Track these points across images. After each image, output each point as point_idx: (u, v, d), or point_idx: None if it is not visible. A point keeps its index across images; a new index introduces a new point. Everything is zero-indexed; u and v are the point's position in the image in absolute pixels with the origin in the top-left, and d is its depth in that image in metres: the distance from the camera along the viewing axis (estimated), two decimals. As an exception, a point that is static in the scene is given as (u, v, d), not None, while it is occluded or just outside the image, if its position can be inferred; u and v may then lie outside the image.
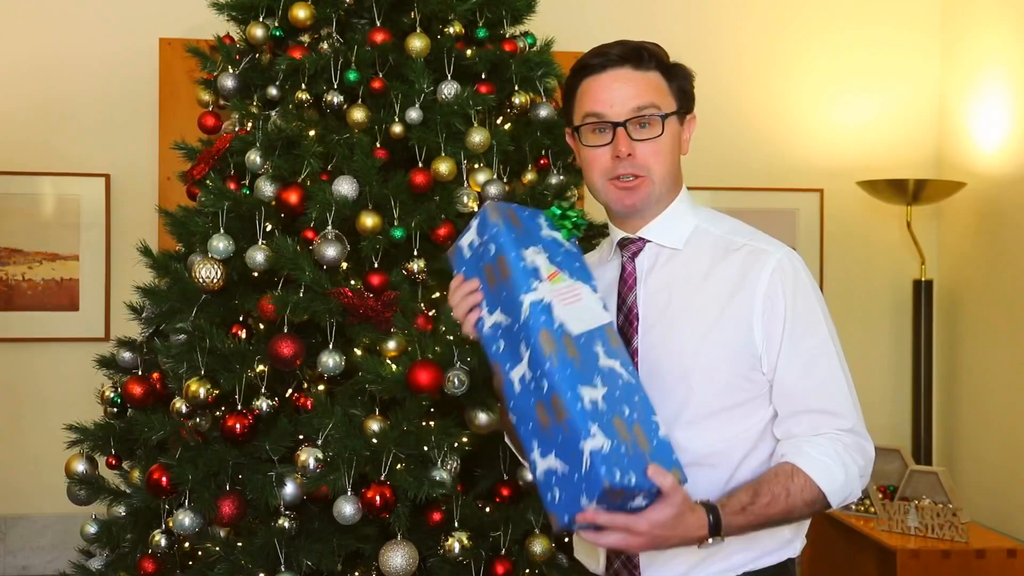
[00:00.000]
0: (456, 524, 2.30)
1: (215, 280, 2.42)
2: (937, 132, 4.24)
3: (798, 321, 1.62)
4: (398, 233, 2.40)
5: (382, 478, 2.21)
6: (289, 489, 2.28)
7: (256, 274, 2.45)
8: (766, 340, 1.62)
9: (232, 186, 2.56)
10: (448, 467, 2.28)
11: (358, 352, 2.38)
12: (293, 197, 2.42)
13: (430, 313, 2.43)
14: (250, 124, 2.59)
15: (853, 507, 3.56)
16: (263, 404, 2.35)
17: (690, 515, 1.48)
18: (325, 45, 2.58)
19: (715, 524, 1.51)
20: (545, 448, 1.49)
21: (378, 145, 2.49)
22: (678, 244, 1.70)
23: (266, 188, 2.47)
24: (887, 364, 4.22)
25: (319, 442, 2.26)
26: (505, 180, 2.59)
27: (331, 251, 2.35)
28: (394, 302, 2.36)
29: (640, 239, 1.72)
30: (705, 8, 4.15)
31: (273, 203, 2.47)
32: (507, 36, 2.72)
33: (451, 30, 2.60)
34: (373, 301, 2.35)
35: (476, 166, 2.54)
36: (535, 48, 2.74)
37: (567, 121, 1.74)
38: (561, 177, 2.67)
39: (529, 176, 2.68)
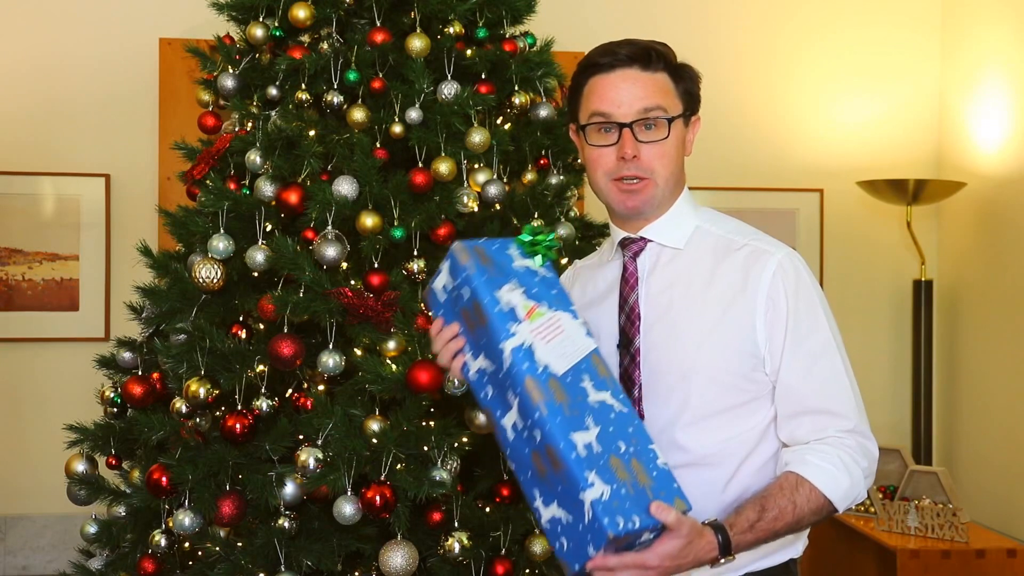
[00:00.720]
0: (456, 524, 2.30)
1: (215, 280, 2.42)
2: (937, 132, 4.24)
3: (800, 321, 1.62)
4: (398, 233, 2.40)
5: (382, 478, 2.21)
6: (289, 489, 2.28)
7: (256, 274, 2.45)
8: (768, 341, 1.62)
9: (232, 186, 2.55)
10: (448, 467, 2.28)
11: (358, 352, 2.38)
12: (293, 197, 2.42)
13: (430, 313, 2.43)
14: (250, 124, 2.59)
15: (853, 507, 3.54)
16: (263, 404, 2.35)
17: (699, 540, 1.49)
18: (325, 45, 2.58)
19: (724, 544, 1.51)
20: (547, 497, 1.49)
21: (378, 145, 2.49)
22: (679, 244, 1.70)
23: (266, 188, 2.47)
24: (887, 364, 4.22)
25: (319, 442, 2.25)
26: (505, 180, 2.59)
27: (331, 251, 2.35)
28: (394, 302, 2.36)
29: (642, 239, 1.72)
30: (705, 8, 4.15)
31: (273, 203, 2.47)
32: (507, 36, 2.72)
33: (451, 30, 2.60)
34: (373, 301, 2.35)
35: (476, 166, 2.54)
36: (535, 48, 2.74)
37: (572, 118, 1.74)
38: (561, 177, 2.67)
39: (529, 176, 2.68)
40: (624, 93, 1.64)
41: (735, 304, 1.63)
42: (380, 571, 2.22)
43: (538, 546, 2.34)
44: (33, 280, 3.78)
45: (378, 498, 2.18)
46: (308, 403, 2.35)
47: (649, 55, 1.66)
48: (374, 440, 2.24)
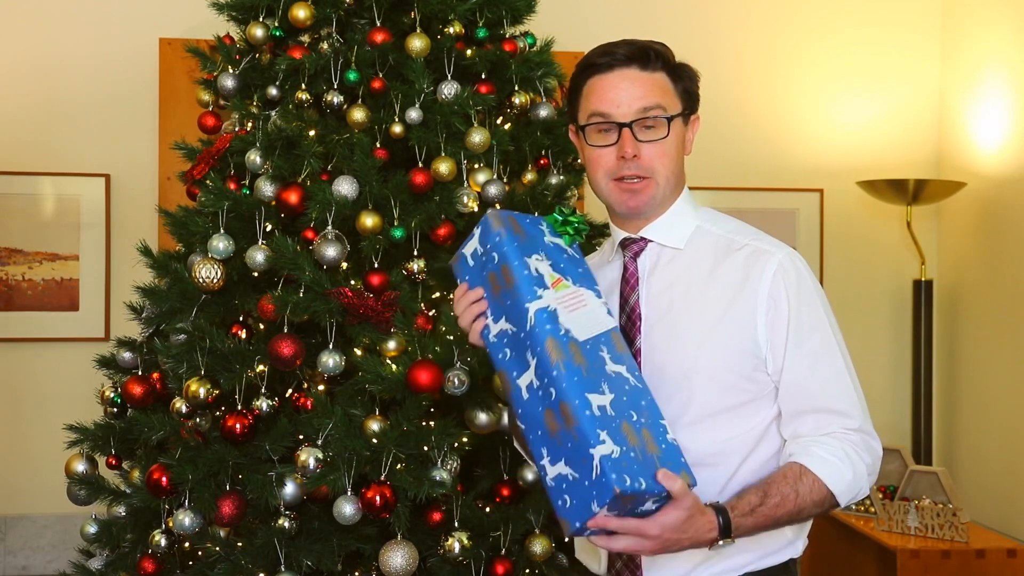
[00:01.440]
0: (456, 524, 2.30)
1: (215, 280, 2.42)
2: (937, 132, 4.24)
3: (802, 321, 1.62)
4: (398, 233, 2.40)
5: (382, 478, 2.21)
6: (289, 489, 2.28)
7: (256, 274, 2.45)
8: (770, 341, 1.62)
9: (232, 186, 2.55)
10: (448, 467, 2.28)
11: (358, 352, 2.38)
12: (293, 197, 2.42)
13: (430, 313, 2.43)
14: (250, 124, 2.59)
15: (853, 507, 3.56)
16: (263, 404, 2.35)
17: (700, 518, 1.49)
18: (325, 45, 2.58)
19: (725, 526, 1.51)
20: (555, 455, 1.50)
21: (378, 145, 2.49)
22: (679, 244, 1.70)
23: (266, 188, 2.47)
24: (887, 364, 4.22)
25: (319, 442, 2.25)
26: (505, 180, 2.59)
27: (331, 251, 2.35)
28: (394, 302, 2.36)
29: (642, 239, 1.72)
30: (705, 8, 4.15)
31: (273, 203, 2.47)
32: (507, 36, 2.72)
33: (451, 30, 2.60)
34: (373, 301, 2.35)
35: (476, 166, 2.54)
36: (535, 48, 2.74)
37: (571, 119, 1.74)
38: (561, 177, 2.67)
39: (529, 176, 2.68)
40: (623, 93, 1.64)
41: (736, 304, 1.63)
42: (380, 571, 2.22)
43: (538, 546, 2.34)
44: (33, 280, 3.78)
45: (378, 498, 2.18)
46: (308, 403, 2.35)
47: (647, 55, 1.66)
48: (374, 440, 2.24)
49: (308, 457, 2.22)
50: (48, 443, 3.11)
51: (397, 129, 2.48)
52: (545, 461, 1.52)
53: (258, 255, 2.40)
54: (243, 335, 2.46)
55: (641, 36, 1.74)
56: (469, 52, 2.61)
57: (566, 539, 2.42)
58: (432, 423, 2.31)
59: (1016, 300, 3.70)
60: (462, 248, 1.68)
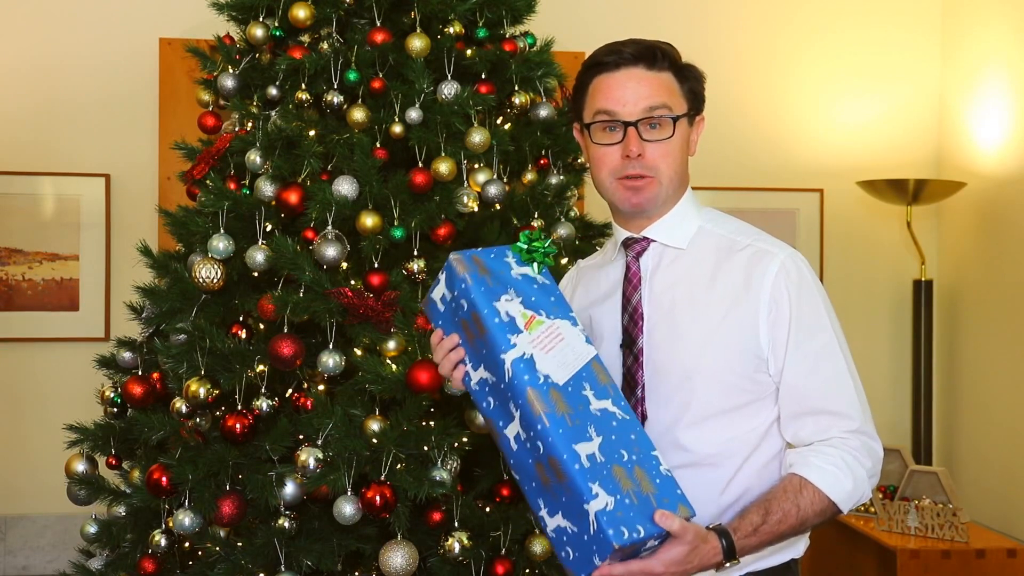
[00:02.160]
0: (456, 524, 2.30)
1: (215, 280, 2.42)
2: (937, 132, 4.24)
3: (803, 322, 1.62)
4: (398, 233, 2.40)
5: (382, 478, 2.21)
6: (289, 489, 2.28)
7: (256, 274, 2.45)
8: (772, 342, 1.61)
9: (232, 186, 2.55)
10: (448, 467, 2.27)
11: (358, 352, 2.38)
12: (293, 197, 2.42)
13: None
14: (250, 124, 2.59)
15: (856, 507, 3.56)
16: (263, 404, 2.35)
17: (703, 546, 1.49)
18: (325, 45, 2.58)
19: (729, 549, 1.51)
20: (552, 508, 1.50)
21: (378, 145, 2.49)
22: (682, 244, 1.70)
23: (266, 188, 2.47)
24: (887, 364, 4.22)
25: (319, 442, 2.25)
26: (505, 180, 2.59)
27: (331, 251, 2.35)
28: (394, 302, 2.36)
29: (644, 239, 1.71)
30: (705, 8, 4.15)
31: (273, 203, 2.47)
32: (507, 36, 2.72)
33: (451, 30, 2.60)
34: (373, 301, 2.35)
35: (476, 166, 2.54)
36: (535, 48, 2.74)
37: (576, 117, 1.74)
38: (561, 177, 2.67)
39: (529, 176, 2.68)
40: (629, 92, 1.64)
41: (738, 304, 1.62)
42: (380, 571, 2.22)
43: (538, 546, 2.34)
44: (33, 280, 3.78)
45: (378, 498, 2.18)
46: (308, 403, 2.35)
47: (654, 54, 1.66)
48: (374, 440, 2.24)
49: (308, 457, 2.22)
50: (48, 443, 3.11)
51: (397, 129, 2.48)
52: (543, 513, 1.52)
53: (258, 255, 2.40)
54: (243, 335, 2.46)
55: (641, 36, 1.74)
56: (469, 52, 2.61)
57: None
58: (432, 423, 2.31)
59: (1016, 300, 3.70)
60: (430, 292, 1.66)
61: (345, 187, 2.41)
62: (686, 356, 1.63)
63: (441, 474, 2.24)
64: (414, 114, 2.48)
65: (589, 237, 2.74)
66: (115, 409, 2.59)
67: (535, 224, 2.58)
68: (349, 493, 2.21)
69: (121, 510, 2.53)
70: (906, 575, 3.20)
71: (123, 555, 2.51)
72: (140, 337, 2.67)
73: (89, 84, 3.82)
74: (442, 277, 1.62)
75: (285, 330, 2.35)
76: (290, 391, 2.43)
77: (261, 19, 2.63)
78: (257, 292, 2.46)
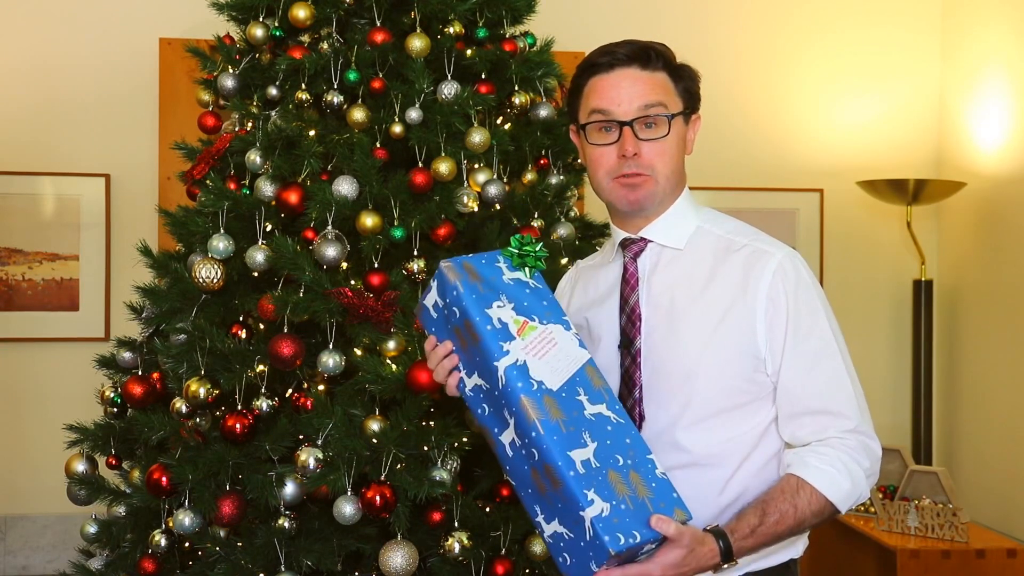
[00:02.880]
0: (456, 524, 2.30)
1: (215, 280, 2.42)
2: (937, 132, 4.24)
3: (800, 322, 1.62)
4: (398, 233, 2.40)
5: (382, 478, 2.21)
6: (289, 489, 2.28)
7: (256, 274, 2.45)
8: (769, 341, 1.61)
9: (232, 186, 2.55)
10: (448, 467, 2.27)
11: (358, 352, 2.38)
12: (293, 197, 2.42)
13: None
14: (250, 124, 2.59)
15: (854, 507, 3.56)
16: (263, 404, 2.35)
17: (700, 549, 1.49)
18: (325, 45, 2.58)
19: (726, 550, 1.52)
20: (548, 514, 1.50)
21: (378, 145, 2.49)
22: (680, 244, 1.70)
23: (266, 188, 2.47)
24: (887, 364, 4.22)
25: (319, 442, 2.25)
26: (505, 180, 2.59)
27: (331, 251, 2.35)
28: (394, 302, 2.36)
29: (642, 239, 1.71)
30: (705, 8, 4.15)
31: (273, 203, 2.47)
32: (507, 36, 2.72)
33: (451, 30, 2.60)
34: (373, 301, 2.35)
35: (476, 166, 2.54)
36: (535, 48, 2.74)
37: (572, 119, 1.74)
38: (561, 177, 2.67)
39: (529, 176, 2.68)
40: (624, 91, 1.65)
41: (735, 305, 1.62)
42: (380, 571, 2.22)
43: (538, 546, 2.34)
44: (33, 280, 3.78)
45: (378, 498, 2.18)
46: (308, 403, 2.35)
47: (648, 54, 1.66)
48: (374, 440, 2.24)
49: (308, 457, 2.22)
50: (48, 443, 3.11)
51: (397, 129, 2.48)
52: (540, 519, 1.52)
53: (258, 255, 2.40)
54: (243, 335, 2.46)
55: (641, 36, 1.75)
56: (469, 52, 2.61)
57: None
58: (432, 423, 2.31)
59: (1016, 300, 3.70)
60: (423, 299, 1.65)
61: (345, 187, 2.41)
62: (684, 356, 1.63)
63: (441, 474, 2.24)
64: (414, 114, 2.48)
65: (589, 237, 2.74)
66: (115, 409, 2.59)
67: (535, 224, 2.58)
68: (349, 493, 2.21)
69: (121, 510, 2.53)
70: (906, 575, 3.20)
71: (123, 555, 2.50)
72: (140, 337, 2.67)
73: (89, 84, 3.82)
74: (433, 284, 1.62)
75: (285, 330, 2.35)
76: (290, 391, 2.43)
77: (261, 19, 2.63)
78: (257, 292, 2.46)
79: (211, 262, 2.42)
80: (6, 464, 3.78)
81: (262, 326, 2.49)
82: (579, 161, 2.74)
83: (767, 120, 4.18)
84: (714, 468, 1.62)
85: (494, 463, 2.45)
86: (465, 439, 2.33)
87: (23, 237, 3.78)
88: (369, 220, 2.39)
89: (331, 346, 2.35)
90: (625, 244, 1.73)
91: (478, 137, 2.48)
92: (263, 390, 2.37)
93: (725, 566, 1.52)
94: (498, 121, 2.65)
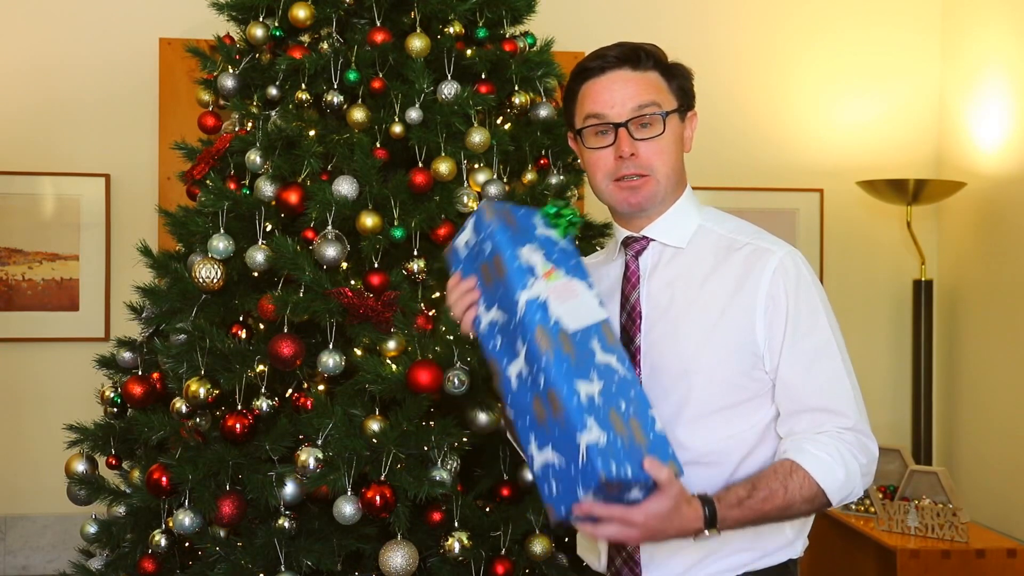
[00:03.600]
0: (456, 524, 2.30)
1: (215, 280, 2.42)
2: (937, 132, 4.24)
3: (800, 320, 1.62)
4: (398, 233, 2.40)
5: (382, 478, 2.21)
6: (289, 489, 2.28)
7: (256, 274, 2.45)
8: (768, 339, 1.62)
9: (232, 186, 2.56)
10: (448, 467, 2.28)
11: (358, 352, 2.38)
12: (293, 197, 2.43)
13: (430, 313, 2.43)
14: (250, 124, 2.59)
15: (853, 507, 3.56)
16: (263, 404, 2.35)
17: (686, 507, 1.49)
18: (325, 45, 2.58)
19: (711, 517, 1.51)
20: (542, 441, 1.50)
21: (378, 145, 2.49)
22: (681, 243, 1.70)
23: (266, 188, 2.47)
24: (887, 364, 4.22)
25: (319, 442, 2.25)
26: (505, 180, 2.59)
27: (331, 251, 2.35)
28: (394, 302, 2.36)
29: (644, 238, 1.72)
30: (705, 8, 4.15)
31: (273, 203, 2.47)
32: (507, 36, 2.72)
33: (451, 30, 2.60)
34: (373, 301, 2.35)
35: (476, 166, 2.54)
36: (535, 48, 2.74)
37: (569, 125, 1.75)
38: (561, 177, 2.67)
39: (529, 176, 2.68)
40: (616, 93, 1.65)
41: (736, 302, 1.63)
42: (380, 571, 2.22)
43: (538, 546, 2.34)
44: (33, 280, 3.78)
45: (378, 498, 2.18)
46: (308, 403, 2.35)
47: (638, 55, 1.67)
48: (374, 440, 2.24)
49: (308, 457, 2.22)
50: (48, 443, 3.11)
51: (397, 129, 2.48)
52: (532, 447, 1.52)
53: (258, 255, 2.40)
54: (243, 335, 2.46)
55: (641, 37, 1.75)
56: (469, 52, 2.61)
57: (566, 539, 2.42)
58: (432, 423, 2.31)
59: (1016, 300, 3.70)
60: (455, 240, 1.68)
61: (345, 187, 2.41)
62: (684, 354, 1.63)
63: (441, 474, 2.25)
64: (414, 114, 2.48)
65: (589, 237, 2.74)
66: (115, 409, 2.59)
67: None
68: (349, 493, 2.21)
69: (121, 510, 2.53)
70: (906, 575, 3.20)
71: (123, 555, 2.51)
72: (140, 337, 2.67)
73: (89, 84, 3.82)
74: (469, 223, 1.65)
75: (285, 330, 2.35)
76: (290, 391, 2.43)
77: (261, 19, 2.63)
78: (257, 292, 2.46)
79: (211, 262, 2.42)
80: (6, 464, 3.78)
81: (262, 326, 2.49)
82: (579, 161, 2.74)
83: (767, 120, 4.18)
84: (714, 466, 1.62)
85: (494, 463, 2.46)
86: (465, 439, 2.33)
87: (23, 237, 3.78)
88: (369, 220, 2.39)
89: (331, 346, 2.35)
90: (627, 242, 1.74)
91: (478, 137, 2.48)
92: (263, 390, 2.37)
93: (706, 532, 1.52)
94: (498, 121, 2.65)
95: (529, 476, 2.40)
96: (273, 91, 2.58)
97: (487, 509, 2.39)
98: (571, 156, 2.73)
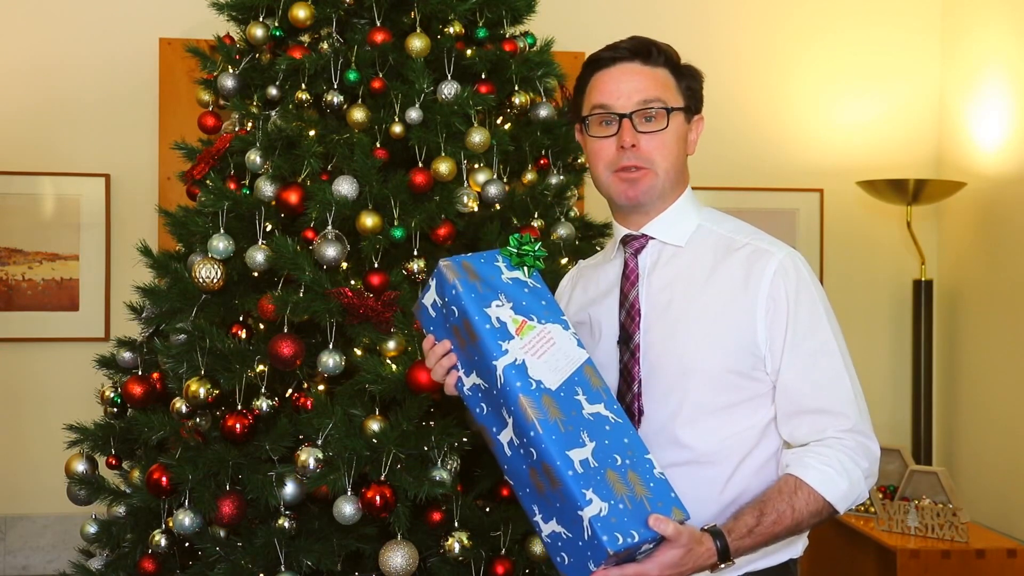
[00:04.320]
0: (456, 524, 2.30)
1: (215, 280, 2.42)
2: (937, 132, 4.24)
3: (800, 321, 1.62)
4: (398, 233, 2.40)
5: (382, 478, 2.21)
6: (289, 489, 2.28)
7: (256, 274, 2.45)
8: (769, 340, 1.62)
9: (232, 186, 2.55)
10: (448, 467, 2.28)
11: (358, 352, 2.38)
12: (293, 197, 2.43)
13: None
14: (250, 124, 2.59)
15: (853, 507, 3.55)
16: (263, 404, 2.35)
17: (698, 548, 1.49)
18: (325, 45, 2.58)
19: (723, 550, 1.52)
20: (546, 514, 1.51)
21: (378, 145, 2.49)
22: (680, 242, 1.70)
23: (266, 188, 2.47)
24: (887, 364, 4.22)
25: (319, 442, 2.25)
26: (505, 180, 2.59)
27: (331, 251, 2.35)
28: (394, 302, 2.36)
29: (643, 236, 1.72)
30: (705, 8, 4.15)
31: (273, 203, 2.47)
32: (507, 36, 2.72)
33: (451, 30, 2.60)
34: (373, 301, 2.35)
35: (476, 166, 2.54)
36: (535, 48, 2.74)
37: (576, 114, 1.75)
38: (561, 177, 2.67)
39: (529, 176, 2.68)
40: (624, 85, 1.66)
41: (735, 302, 1.63)
42: (380, 571, 2.22)
43: (538, 546, 2.34)
44: (33, 280, 3.78)
45: (378, 498, 2.18)
46: (308, 403, 2.35)
47: (650, 50, 1.68)
48: (374, 440, 2.24)
49: (308, 457, 2.22)
50: (48, 443, 3.11)
51: (397, 129, 2.48)
52: (538, 518, 1.53)
53: (258, 255, 2.40)
54: (243, 335, 2.46)
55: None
56: (469, 52, 2.61)
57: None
58: (432, 423, 2.31)
59: (1016, 300, 3.70)
60: (421, 298, 1.66)
61: (345, 187, 2.41)
62: (683, 353, 1.63)
63: (441, 474, 2.25)
64: (414, 114, 2.48)
65: (589, 237, 2.74)
66: (115, 409, 2.59)
67: (535, 224, 2.58)
68: (349, 493, 2.21)
69: (121, 510, 2.53)
70: (906, 575, 3.20)
71: (123, 555, 2.51)
72: (140, 337, 2.67)
73: (89, 84, 3.82)
74: (432, 283, 1.62)
75: (285, 330, 2.35)
76: (290, 391, 2.43)
77: (261, 19, 2.63)
78: (257, 292, 2.46)
79: (211, 262, 2.42)
80: (6, 464, 3.78)
81: (262, 326, 2.49)
82: (579, 161, 2.74)
83: (767, 120, 4.18)
84: (714, 466, 1.62)
85: (494, 463, 2.44)
86: (465, 439, 2.33)
87: (23, 237, 3.78)
88: (369, 220, 2.39)
89: (331, 346, 2.35)
90: (626, 240, 1.74)
91: (478, 137, 2.48)
92: (263, 390, 2.37)
93: (722, 566, 1.52)
94: (498, 121, 2.65)
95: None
96: (273, 91, 2.58)
97: (487, 509, 2.39)
98: (571, 156, 2.73)
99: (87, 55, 3.82)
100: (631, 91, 1.65)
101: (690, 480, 1.56)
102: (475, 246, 2.52)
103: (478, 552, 2.30)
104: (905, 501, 3.38)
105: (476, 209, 2.48)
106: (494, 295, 1.58)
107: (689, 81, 1.72)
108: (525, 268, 1.64)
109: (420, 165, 2.48)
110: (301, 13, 2.56)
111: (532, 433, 1.47)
